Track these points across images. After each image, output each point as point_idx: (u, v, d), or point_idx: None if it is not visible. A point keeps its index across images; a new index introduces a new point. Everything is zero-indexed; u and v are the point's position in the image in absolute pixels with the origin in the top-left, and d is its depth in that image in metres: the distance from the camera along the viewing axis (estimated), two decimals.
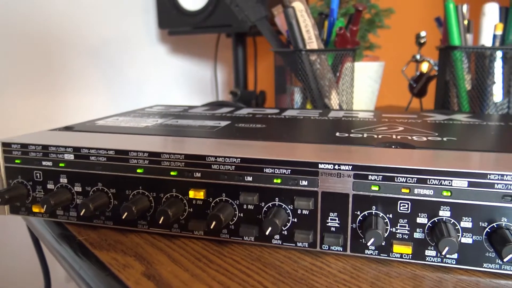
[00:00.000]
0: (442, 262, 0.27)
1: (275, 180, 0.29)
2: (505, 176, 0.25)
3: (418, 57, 0.69)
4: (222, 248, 0.30)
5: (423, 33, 0.68)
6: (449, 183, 0.26)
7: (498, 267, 0.26)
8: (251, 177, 0.29)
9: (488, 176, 0.25)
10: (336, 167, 0.28)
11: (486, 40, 0.57)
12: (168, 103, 1.12)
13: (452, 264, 0.27)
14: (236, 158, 0.29)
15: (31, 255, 0.89)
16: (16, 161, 0.33)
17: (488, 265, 0.26)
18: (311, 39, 0.59)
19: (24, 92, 0.87)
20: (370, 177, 0.27)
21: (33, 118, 0.88)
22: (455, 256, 0.27)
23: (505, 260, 0.24)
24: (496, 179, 0.25)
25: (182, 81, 1.16)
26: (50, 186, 0.33)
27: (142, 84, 1.07)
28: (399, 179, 0.27)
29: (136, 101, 1.05)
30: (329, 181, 0.28)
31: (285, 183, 0.29)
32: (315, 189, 0.28)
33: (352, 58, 0.61)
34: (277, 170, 0.29)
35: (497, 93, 0.56)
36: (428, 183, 0.26)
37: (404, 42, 0.85)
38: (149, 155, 0.31)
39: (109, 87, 1.00)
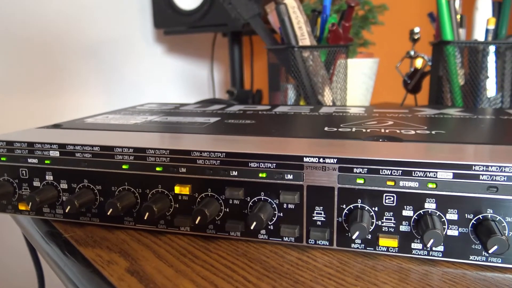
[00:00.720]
0: (428, 255, 0.27)
1: (260, 175, 0.29)
2: (489, 167, 0.25)
3: (412, 53, 0.69)
4: (208, 243, 0.30)
5: (416, 29, 0.67)
6: (434, 175, 0.26)
7: (484, 259, 0.26)
8: (236, 172, 0.29)
9: (473, 168, 0.25)
10: (321, 160, 0.27)
11: (479, 34, 0.57)
12: (164, 102, 1.12)
13: (438, 256, 0.27)
14: (221, 152, 0.29)
15: (22, 254, 0.89)
16: (2, 158, 0.33)
17: (474, 258, 0.26)
18: (303, 36, 0.59)
19: (21, 92, 0.87)
20: (355, 170, 0.27)
21: (30, 118, 0.88)
22: (441, 248, 0.26)
23: (490, 251, 0.24)
24: (481, 170, 0.25)
25: (178, 80, 1.15)
26: (36, 183, 0.33)
27: (139, 84, 1.07)
28: (384, 172, 0.26)
29: (132, 101, 1.05)
30: (315, 175, 0.28)
31: (271, 177, 0.28)
32: (301, 183, 0.28)
33: (345, 55, 0.61)
34: (262, 164, 0.28)
35: (490, 87, 0.55)
36: (413, 175, 0.26)
37: (398, 38, 0.85)
38: (134, 151, 0.31)
39: (106, 87, 1.00)
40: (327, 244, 0.28)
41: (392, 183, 0.26)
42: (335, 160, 0.27)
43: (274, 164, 0.28)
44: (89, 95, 0.98)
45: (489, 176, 0.25)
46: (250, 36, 1.11)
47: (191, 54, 1.17)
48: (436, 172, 0.26)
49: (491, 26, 0.55)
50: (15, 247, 0.88)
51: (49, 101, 0.91)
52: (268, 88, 0.67)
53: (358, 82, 0.70)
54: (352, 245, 0.28)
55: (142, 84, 1.08)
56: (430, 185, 0.26)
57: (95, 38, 0.97)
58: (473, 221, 0.26)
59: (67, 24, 0.92)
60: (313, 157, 0.28)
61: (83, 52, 0.95)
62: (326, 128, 0.36)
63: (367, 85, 0.72)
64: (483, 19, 0.56)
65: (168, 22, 1.01)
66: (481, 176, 0.25)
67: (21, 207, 0.34)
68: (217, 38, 1.15)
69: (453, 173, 0.25)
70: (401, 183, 0.26)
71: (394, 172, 0.26)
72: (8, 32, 0.84)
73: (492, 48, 0.55)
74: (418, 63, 0.69)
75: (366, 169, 0.27)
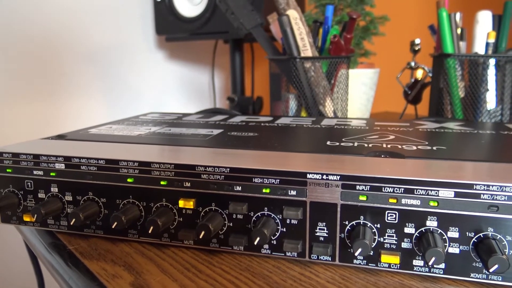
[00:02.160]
0: (429, 272, 0.27)
1: (264, 190, 0.29)
2: (490, 187, 0.25)
3: (412, 64, 0.69)
4: (212, 257, 0.30)
5: (417, 41, 0.68)
6: (436, 193, 0.26)
7: (485, 277, 0.26)
8: (240, 187, 0.29)
9: (474, 187, 0.25)
10: (324, 177, 0.28)
11: (479, 47, 0.57)
12: (166, 109, 1.12)
13: (439, 274, 0.27)
14: (226, 168, 0.29)
15: (23, 262, 0.89)
16: (8, 170, 0.33)
17: (475, 275, 0.26)
18: (305, 47, 0.60)
19: (23, 98, 0.87)
20: (358, 187, 0.27)
21: (32, 124, 0.89)
22: (442, 266, 0.27)
23: (490, 270, 0.24)
24: (482, 190, 0.25)
25: (179, 87, 1.16)
26: (41, 195, 0.33)
27: (140, 90, 1.07)
28: (387, 189, 0.27)
29: (133, 107, 1.06)
30: (318, 191, 0.28)
31: (274, 193, 0.29)
32: (304, 199, 0.28)
33: (346, 66, 0.62)
34: (266, 180, 0.29)
35: (490, 100, 0.56)
36: (415, 193, 0.26)
37: (399, 49, 0.86)
38: (139, 165, 0.31)
39: (107, 93, 1.01)
40: (330, 259, 0.29)
41: (394, 201, 0.27)
42: (338, 177, 0.28)
43: (278, 180, 0.29)
44: (90, 100, 0.98)
45: (490, 196, 0.25)
46: (251, 43, 1.12)
47: (192, 61, 1.18)
48: (438, 190, 0.26)
49: (492, 40, 0.56)
50: (17, 249, 0.88)
51: (49, 106, 0.91)
52: (269, 97, 0.68)
53: (359, 93, 0.71)
54: (354, 261, 0.28)
55: (143, 90, 1.08)
56: (432, 203, 0.26)
57: (96, 44, 0.97)
58: (474, 239, 0.26)
59: (68, 30, 0.92)
60: (316, 173, 0.28)
61: (84, 58, 0.95)
62: (328, 142, 0.37)
63: (367, 96, 0.72)
64: (484, 33, 0.57)
65: (170, 29, 1.02)
66: (482, 195, 0.25)
67: (26, 218, 0.34)
68: (218, 45, 1.15)
69: (454, 192, 0.26)
70: (403, 201, 0.27)
71: (396, 190, 0.27)
72: (10, 38, 0.84)
73: (492, 61, 0.55)
74: (419, 74, 0.70)
75: (368, 187, 0.27)
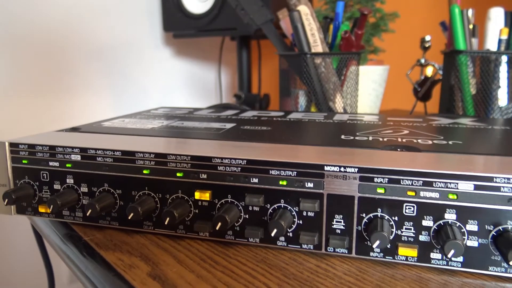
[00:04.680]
0: (447, 265, 0.27)
1: (280, 182, 0.29)
2: (511, 180, 0.25)
3: (422, 61, 0.69)
4: (227, 249, 0.31)
5: (427, 37, 0.68)
6: (455, 186, 0.26)
7: (504, 270, 0.26)
8: (256, 179, 0.29)
9: (494, 179, 0.25)
10: (342, 169, 0.28)
11: (491, 44, 0.57)
12: (172, 105, 1.12)
13: (457, 267, 0.27)
14: (242, 160, 0.29)
15: (32, 255, 0.90)
16: (23, 161, 0.34)
17: (493, 269, 0.26)
18: (316, 43, 0.60)
19: (32, 94, 0.87)
20: (375, 179, 0.27)
21: (40, 119, 0.89)
22: (460, 259, 0.27)
23: (511, 263, 0.24)
24: (502, 183, 0.25)
25: (186, 83, 1.16)
26: (56, 186, 0.33)
27: (147, 87, 1.07)
28: (405, 182, 0.27)
29: (140, 103, 1.06)
30: (335, 183, 0.28)
31: (291, 185, 0.29)
32: (321, 191, 0.28)
33: (357, 62, 0.61)
34: (283, 172, 0.29)
35: (502, 97, 0.56)
36: (434, 186, 0.26)
37: (409, 46, 0.85)
38: (155, 156, 0.31)
39: (114, 89, 1.01)
40: (346, 252, 0.29)
41: (413, 194, 0.27)
42: (356, 170, 0.27)
43: (295, 172, 0.29)
44: (97, 97, 0.98)
45: (510, 189, 0.25)
46: (258, 40, 1.12)
47: (199, 57, 1.18)
48: (457, 183, 0.26)
49: (504, 36, 0.56)
50: (19, 247, 0.89)
51: (56, 102, 0.92)
52: (278, 93, 0.67)
53: (368, 89, 0.71)
54: (371, 253, 0.28)
55: (150, 87, 1.08)
56: (451, 196, 0.26)
57: (104, 41, 0.97)
58: (493, 232, 0.26)
59: (76, 26, 0.92)
60: (334, 166, 0.28)
61: (92, 54, 0.96)
62: (342, 136, 0.37)
63: (377, 92, 0.72)
64: (496, 29, 0.56)
65: (178, 26, 1.02)
66: (502, 188, 0.25)
67: (41, 209, 0.34)
68: (225, 42, 1.15)
69: (474, 184, 0.26)
70: (421, 194, 0.27)
71: (415, 183, 0.27)
72: (17, 34, 0.84)
73: (504, 58, 0.55)
74: (429, 71, 0.70)
75: (387, 179, 0.27)
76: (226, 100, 1.24)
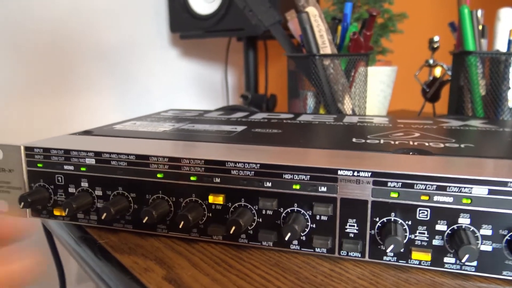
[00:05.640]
0: (461, 269, 0.27)
1: (294, 186, 0.29)
2: None
3: (431, 61, 0.69)
4: (241, 253, 0.31)
5: (436, 38, 0.68)
6: (469, 190, 0.26)
7: None
8: (270, 183, 0.29)
9: (508, 184, 0.25)
10: (355, 173, 0.28)
11: (501, 45, 0.57)
12: (179, 106, 1.13)
13: (471, 271, 0.27)
14: (256, 163, 0.30)
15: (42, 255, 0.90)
16: (38, 165, 0.34)
17: (508, 273, 0.26)
18: (324, 44, 0.60)
19: (34, 94, 0.88)
20: (389, 184, 0.27)
21: (49, 120, 0.90)
22: (474, 263, 0.27)
23: None
24: None
25: (192, 84, 1.16)
26: (71, 190, 0.34)
27: (153, 87, 1.08)
28: (419, 186, 0.27)
29: (147, 104, 1.06)
30: (348, 188, 0.28)
31: (304, 189, 0.29)
32: (334, 195, 0.28)
33: (365, 63, 0.61)
34: (296, 176, 0.29)
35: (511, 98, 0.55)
36: (448, 190, 0.26)
37: (417, 46, 0.85)
38: (169, 160, 0.31)
39: (121, 90, 1.01)
40: (359, 256, 0.29)
41: (427, 198, 0.27)
42: (370, 174, 0.28)
43: (308, 176, 0.29)
44: (102, 97, 0.99)
45: None
46: (265, 41, 1.12)
47: (205, 58, 1.18)
48: (471, 187, 0.26)
49: None
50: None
51: (61, 103, 0.92)
52: (286, 94, 0.68)
53: (377, 90, 0.71)
54: (384, 257, 0.28)
55: (157, 88, 1.09)
56: (465, 201, 0.26)
57: (111, 41, 0.98)
58: (507, 237, 0.26)
59: (82, 27, 0.93)
60: (348, 170, 0.28)
61: (98, 55, 0.96)
62: (354, 139, 0.37)
63: (385, 93, 0.72)
64: (506, 30, 0.56)
65: (184, 26, 1.02)
66: None
67: (56, 212, 0.34)
68: (231, 43, 1.15)
69: (488, 189, 0.26)
70: (435, 198, 0.27)
71: (428, 187, 0.27)
72: (22, 34, 0.85)
73: None
74: (437, 72, 0.70)
75: (400, 183, 0.27)
76: (233, 100, 1.24)
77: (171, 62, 1.11)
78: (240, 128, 0.42)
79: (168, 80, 1.11)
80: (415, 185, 0.27)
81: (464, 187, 0.26)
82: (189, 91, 1.16)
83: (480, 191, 0.26)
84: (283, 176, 0.29)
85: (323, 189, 0.29)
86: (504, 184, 0.25)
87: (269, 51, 1.13)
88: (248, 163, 0.30)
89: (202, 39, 1.14)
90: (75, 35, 0.91)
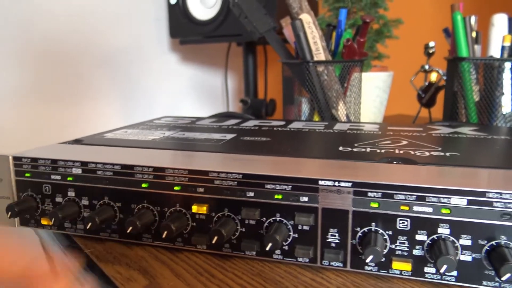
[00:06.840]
0: (441, 279, 0.27)
1: (276, 196, 0.29)
2: (503, 195, 0.25)
3: (426, 67, 0.69)
4: (224, 262, 0.31)
5: (431, 43, 0.68)
6: (448, 201, 0.26)
7: (497, 285, 0.26)
8: (252, 193, 0.30)
9: (487, 195, 0.25)
10: (336, 183, 0.28)
11: (494, 51, 0.57)
12: (179, 111, 1.13)
13: (451, 281, 0.27)
14: (238, 173, 0.30)
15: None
16: (26, 174, 0.34)
17: (487, 283, 0.26)
18: (318, 51, 0.60)
19: (36, 100, 0.89)
20: (369, 194, 0.27)
21: (44, 125, 0.90)
22: (454, 273, 0.27)
23: (503, 279, 0.24)
24: (494, 198, 0.25)
25: (193, 89, 1.17)
26: (58, 199, 0.34)
27: (153, 93, 1.08)
28: (398, 197, 0.27)
29: (147, 110, 1.07)
30: (329, 198, 0.28)
31: (286, 199, 0.29)
32: (316, 205, 0.29)
33: (359, 69, 0.61)
34: (278, 186, 0.29)
35: (505, 104, 0.55)
36: (427, 200, 0.26)
37: (413, 52, 0.85)
38: (154, 170, 0.31)
39: (121, 96, 1.02)
40: (341, 265, 0.29)
41: (406, 208, 0.27)
42: (350, 184, 0.28)
43: (290, 186, 0.29)
44: (104, 103, 0.99)
45: (502, 204, 0.25)
46: (264, 46, 1.12)
47: (205, 63, 1.18)
48: (450, 198, 0.26)
49: (507, 43, 0.55)
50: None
51: (63, 109, 0.93)
52: (282, 100, 0.68)
53: (372, 96, 0.71)
54: (366, 267, 0.28)
55: (157, 93, 1.09)
56: (444, 211, 0.26)
57: (110, 47, 0.99)
58: (486, 247, 0.26)
59: (83, 33, 0.94)
60: (328, 180, 0.28)
61: (98, 61, 0.97)
62: (340, 148, 0.37)
63: (381, 99, 0.72)
64: (499, 36, 0.56)
65: (184, 32, 1.02)
66: (494, 203, 0.25)
67: (44, 221, 0.35)
68: (231, 47, 1.16)
69: (467, 199, 0.26)
70: (415, 208, 0.27)
71: (408, 197, 0.27)
72: (26, 43, 0.86)
73: (508, 65, 0.55)
74: (433, 77, 0.69)
75: (380, 193, 0.27)
76: (233, 105, 1.24)
77: (171, 67, 1.12)
78: (229, 136, 0.42)
79: (169, 85, 1.12)
80: (395, 195, 0.27)
81: (443, 197, 0.26)
82: (190, 96, 1.16)
83: (459, 201, 0.26)
84: (265, 186, 0.29)
85: (305, 199, 0.29)
86: (483, 194, 0.25)
87: (269, 56, 1.14)
88: (231, 173, 0.30)
89: (202, 45, 1.14)
90: (77, 41, 0.92)
